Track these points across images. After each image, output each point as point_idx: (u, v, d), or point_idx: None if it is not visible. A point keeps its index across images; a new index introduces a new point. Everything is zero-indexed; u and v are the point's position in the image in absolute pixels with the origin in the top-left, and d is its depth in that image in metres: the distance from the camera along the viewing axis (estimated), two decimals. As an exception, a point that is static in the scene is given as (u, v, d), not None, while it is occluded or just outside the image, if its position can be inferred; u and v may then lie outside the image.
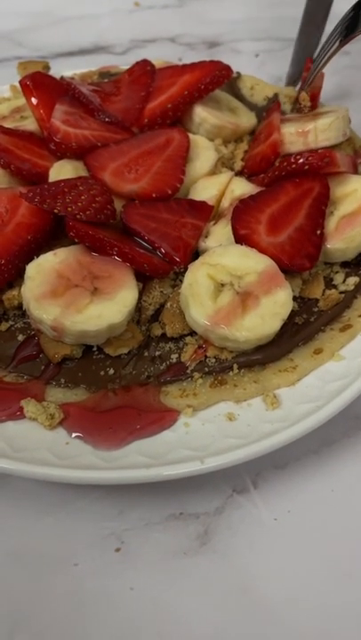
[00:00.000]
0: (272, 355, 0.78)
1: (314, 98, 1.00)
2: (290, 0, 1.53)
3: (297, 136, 0.92)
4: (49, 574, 0.68)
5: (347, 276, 0.86)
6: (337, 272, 0.87)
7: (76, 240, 0.79)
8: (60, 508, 0.72)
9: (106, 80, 1.13)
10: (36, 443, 0.69)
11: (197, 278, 0.77)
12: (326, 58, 0.94)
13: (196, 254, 0.87)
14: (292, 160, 0.84)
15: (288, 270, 0.80)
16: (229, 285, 0.77)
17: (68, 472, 0.66)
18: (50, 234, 0.83)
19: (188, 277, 0.78)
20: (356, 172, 0.91)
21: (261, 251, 0.80)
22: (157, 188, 0.88)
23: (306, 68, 1.04)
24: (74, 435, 0.71)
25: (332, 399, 0.72)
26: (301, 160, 0.84)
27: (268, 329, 0.75)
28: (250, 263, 0.78)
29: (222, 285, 0.77)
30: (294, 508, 0.73)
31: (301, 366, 0.77)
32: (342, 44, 0.91)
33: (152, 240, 0.83)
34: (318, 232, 0.82)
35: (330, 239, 0.83)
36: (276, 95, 1.09)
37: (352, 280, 0.84)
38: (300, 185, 0.85)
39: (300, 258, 0.80)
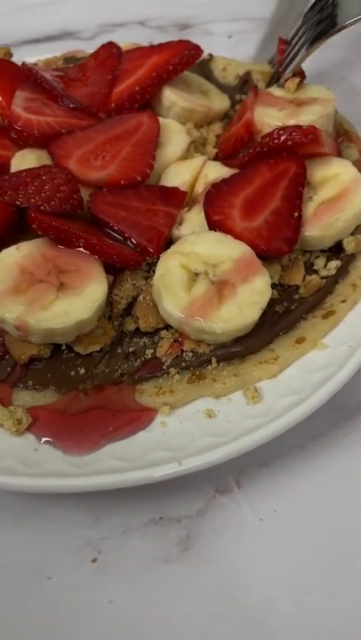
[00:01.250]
0: (252, 346, 0.74)
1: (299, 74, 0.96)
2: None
3: None
4: (21, 589, 0.64)
5: (328, 260, 0.82)
6: (318, 257, 0.82)
7: (40, 233, 0.74)
8: (32, 518, 0.68)
9: (71, 65, 1.08)
10: (2, 450, 0.65)
11: (170, 268, 0.73)
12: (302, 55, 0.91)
13: (169, 243, 0.82)
14: (275, 135, 0.80)
15: (266, 256, 0.76)
16: (204, 275, 0.73)
17: (36, 481, 0.62)
18: (12, 228, 0.78)
19: (160, 267, 0.73)
20: (339, 155, 0.87)
21: (237, 237, 0.75)
22: (126, 174, 0.83)
23: (279, 50, 1.00)
24: (43, 440, 0.67)
25: (315, 390, 0.68)
26: (284, 136, 0.79)
27: (247, 319, 0.71)
28: (225, 250, 0.74)
29: (196, 275, 0.73)
30: (280, 507, 0.69)
31: (283, 357, 0.73)
32: (327, 36, 0.87)
33: (122, 230, 0.78)
34: (296, 214, 0.78)
35: (307, 226, 0.79)
36: (247, 73, 1.04)
37: (333, 264, 0.80)
38: (276, 166, 0.81)
39: (278, 242, 0.76)
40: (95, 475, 0.62)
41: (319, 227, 0.79)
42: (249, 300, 0.71)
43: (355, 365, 0.70)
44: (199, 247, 0.74)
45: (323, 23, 0.92)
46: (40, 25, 1.40)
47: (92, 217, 0.79)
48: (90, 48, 1.22)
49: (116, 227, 0.78)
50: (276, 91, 0.96)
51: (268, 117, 0.89)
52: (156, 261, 0.78)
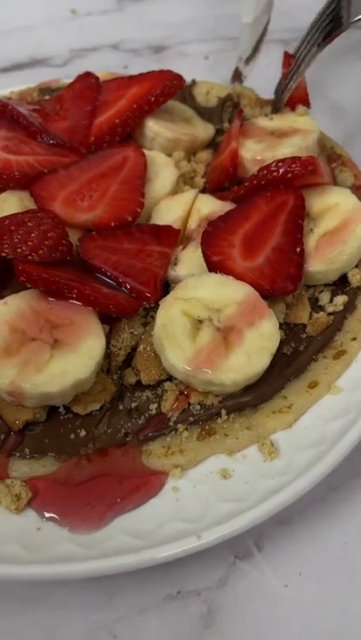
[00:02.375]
0: (263, 394, 0.69)
1: (301, 99, 0.94)
2: (229, -3, 1.48)
3: (254, 164, 0.83)
4: None
5: (333, 294, 0.78)
6: (322, 291, 0.78)
7: (29, 285, 0.69)
8: (39, 604, 0.62)
9: (47, 97, 1.03)
10: (2, 533, 0.59)
11: (171, 317, 0.68)
12: (308, 59, 0.88)
13: (165, 284, 0.78)
14: (273, 168, 0.76)
15: (270, 295, 0.72)
16: (208, 321, 0.68)
17: (41, 568, 0.56)
18: (-3, 280, 0.73)
19: (161, 316, 0.68)
20: (334, 180, 0.83)
21: (238, 277, 0.71)
22: (116, 215, 0.78)
23: (285, 64, 0.96)
24: (46, 516, 0.61)
25: (336, 442, 0.64)
26: (283, 168, 0.75)
27: (257, 367, 0.66)
28: (228, 293, 0.70)
29: (200, 322, 0.68)
30: (305, 569, 0.64)
31: (297, 404, 0.69)
32: (326, 42, 0.85)
33: (116, 275, 0.73)
34: (298, 250, 0.74)
35: (309, 260, 0.75)
36: (228, 95, 1.00)
37: (340, 299, 0.76)
38: (273, 199, 0.77)
39: (282, 281, 0.72)
40: (107, 557, 0.57)
41: (322, 261, 0.75)
42: (257, 346, 0.67)
43: (374, 412, 0.66)
44: (201, 291, 0.70)
45: (328, 26, 0.89)
46: (8, 53, 1.35)
47: (83, 263, 0.74)
48: (63, 75, 1.17)
49: (110, 272, 0.73)
50: (260, 120, 0.92)
51: (245, 150, 0.85)
52: (154, 306, 0.74)
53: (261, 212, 0.76)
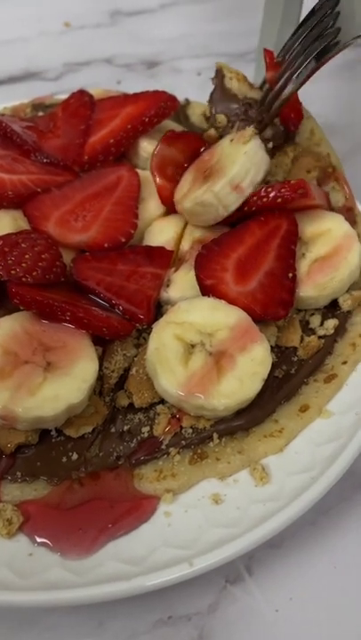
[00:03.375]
0: (255, 418, 0.69)
1: (294, 109, 0.90)
2: (223, 15, 1.49)
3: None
4: None
5: (324, 317, 0.79)
6: (312, 314, 0.79)
7: (22, 307, 0.69)
8: (29, 628, 0.62)
9: (40, 113, 1.03)
10: (-7, 559, 0.59)
11: (164, 341, 0.68)
12: (303, 73, 0.81)
13: (157, 306, 0.78)
14: (263, 194, 0.76)
15: (262, 320, 0.72)
16: (200, 345, 0.69)
17: (33, 595, 0.56)
18: (-10, 302, 0.72)
19: (154, 341, 0.69)
20: (329, 205, 0.84)
21: (231, 302, 0.72)
22: (109, 236, 0.79)
23: (270, 66, 0.86)
24: (38, 541, 0.61)
25: (327, 467, 0.64)
26: (273, 193, 0.76)
27: (249, 392, 0.67)
28: (220, 317, 0.70)
29: (192, 346, 0.69)
30: (296, 594, 0.64)
31: (288, 428, 0.69)
32: (324, 61, 0.79)
33: (109, 297, 0.73)
34: (290, 275, 0.75)
35: (301, 286, 0.76)
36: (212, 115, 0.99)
37: (331, 323, 0.77)
38: (266, 223, 0.78)
39: (274, 306, 0.73)
40: (98, 584, 0.56)
41: (314, 287, 0.76)
42: (249, 371, 0.67)
43: (364, 437, 0.66)
44: (193, 315, 0.70)
45: (328, 36, 0.79)
46: (1, 65, 1.35)
47: (77, 284, 0.74)
48: (56, 89, 1.18)
49: (103, 294, 0.73)
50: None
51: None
52: (146, 328, 0.74)
53: (255, 237, 0.77)
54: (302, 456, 0.67)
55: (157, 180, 0.83)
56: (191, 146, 0.87)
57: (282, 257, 0.75)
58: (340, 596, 0.64)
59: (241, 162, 0.76)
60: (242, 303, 0.72)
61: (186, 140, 0.87)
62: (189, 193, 0.79)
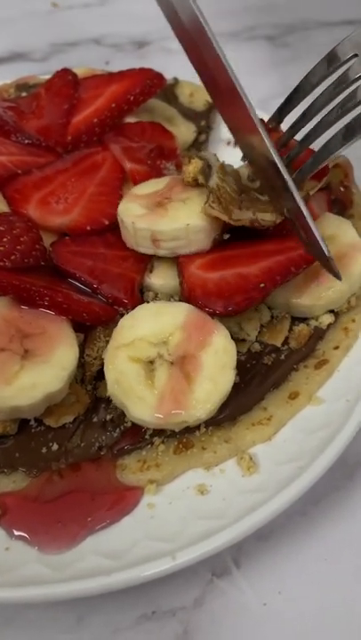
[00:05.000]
0: (242, 406, 0.67)
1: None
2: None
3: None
4: None
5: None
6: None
7: (-1, 293, 0.66)
8: (6, 625, 0.59)
9: (24, 94, 1.00)
10: (-32, 554, 0.56)
11: (120, 369, 0.63)
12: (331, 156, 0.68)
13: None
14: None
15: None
16: (159, 359, 0.64)
17: (9, 592, 0.53)
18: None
19: (110, 372, 0.63)
20: (330, 206, 0.79)
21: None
22: (92, 218, 0.76)
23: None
24: (16, 534, 0.59)
25: (316, 456, 0.62)
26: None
27: (224, 387, 0.62)
28: (167, 320, 0.65)
29: (151, 363, 0.64)
30: (285, 587, 0.62)
31: (277, 416, 0.67)
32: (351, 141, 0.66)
33: (90, 281, 0.71)
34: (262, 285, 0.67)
35: (295, 291, 0.71)
36: None
37: (326, 319, 0.73)
38: None
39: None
40: (77, 579, 0.54)
41: (308, 295, 0.71)
42: (217, 365, 0.63)
43: (355, 424, 0.64)
44: (139, 329, 0.65)
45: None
46: (-13, 46, 1.31)
47: (57, 269, 0.71)
48: (42, 70, 1.14)
49: (84, 278, 0.71)
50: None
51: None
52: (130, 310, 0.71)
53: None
54: (291, 445, 0.64)
55: (127, 164, 0.80)
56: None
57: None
58: (331, 589, 0.62)
59: (178, 227, 0.70)
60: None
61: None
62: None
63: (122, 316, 0.72)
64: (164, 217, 0.71)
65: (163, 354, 0.63)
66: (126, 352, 0.64)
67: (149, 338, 0.64)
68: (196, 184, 0.72)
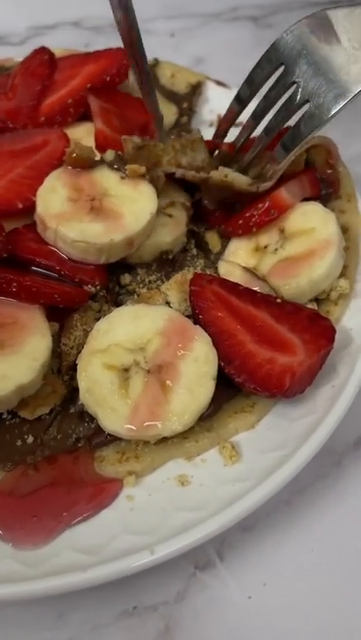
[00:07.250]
0: (225, 394, 0.65)
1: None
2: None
3: None
4: None
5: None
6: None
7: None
8: (-18, 625, 0.57)
9: None
10: None
11: (94, 377, 0.61)
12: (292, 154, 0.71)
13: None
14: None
15: None
16: (135, 366, 0.61)
17: (-20, 591, 0.51)
18: None
19: (83, 379, 0.61)
20: (318, 191, 0.76)
21: None
22: (6, 198, 0.72)
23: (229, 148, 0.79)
24: (-12, 531, 0.56)
25: (301, 444, 0.59)
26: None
27: (203, 398, 0.60)
28: (146, 324, 0.63)
29: (126, 370, 0.61)
30: (270, 579, 0.60)
31: (260, 403, 0.65)
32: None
33: (51, 265, 0.68)
34: None
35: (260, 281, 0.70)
36: (199, 83, 0.95)
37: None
38: None
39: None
40: (53, 575, 0.52)
41: (268, 288, 0.69)
42: (197, 374, 0.61)
43: (341, 410, 0.62)
44: (116, 334, 0.63)
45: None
46: None
47: (15, 258, 0.68)
48: (20, 54, 1.10)
49: (44, 263, 0.68)
50: None
51: None
52: (108, 300, 0.69)
53: None
54: (275, 432, 0.62)
55: (99, 123, 0.77)
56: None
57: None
58: (318, 580, 0.60)
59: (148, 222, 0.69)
60: None
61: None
62: (72, 219, 0.69)
63: (98, 301, 0.70)
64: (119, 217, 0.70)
65: (139, 361, 0.61)
66: (100, 358, 0.61)
67: (126, 344, 0.62)
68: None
